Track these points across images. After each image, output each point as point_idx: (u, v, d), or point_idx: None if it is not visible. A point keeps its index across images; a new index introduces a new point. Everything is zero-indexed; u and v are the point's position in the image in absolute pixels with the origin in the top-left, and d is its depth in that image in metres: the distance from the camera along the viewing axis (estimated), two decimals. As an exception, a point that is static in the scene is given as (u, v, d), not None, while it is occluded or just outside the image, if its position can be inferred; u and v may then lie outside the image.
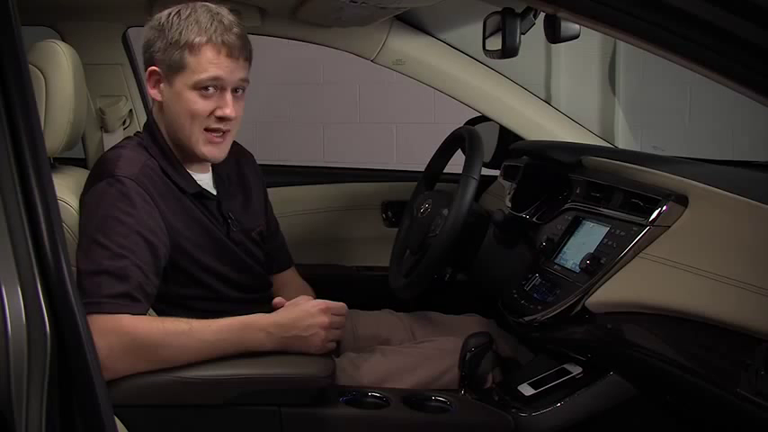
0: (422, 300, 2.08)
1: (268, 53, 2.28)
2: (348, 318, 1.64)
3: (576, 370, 1.61)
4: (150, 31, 1.67)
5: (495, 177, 2.35)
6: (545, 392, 1.60)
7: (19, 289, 0.98)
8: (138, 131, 1.82)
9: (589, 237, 1.64)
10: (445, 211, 1.85)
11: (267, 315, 1.56)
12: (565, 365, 1.64)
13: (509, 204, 2.01)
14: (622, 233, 1.52)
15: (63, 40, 1.84)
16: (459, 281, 2.08)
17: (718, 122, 3.61)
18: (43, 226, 1.01)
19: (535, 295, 1.67)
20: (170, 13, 1.65)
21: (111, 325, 1.44)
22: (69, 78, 1.65)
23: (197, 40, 1.61)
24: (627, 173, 1.68)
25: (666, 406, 1.52)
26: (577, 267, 1.59)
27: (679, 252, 1.39)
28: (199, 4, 1.66)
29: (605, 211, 1.64)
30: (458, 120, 2.36)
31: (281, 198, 2.26)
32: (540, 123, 2.35)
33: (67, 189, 1.63)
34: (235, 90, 1.66)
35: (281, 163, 2.69)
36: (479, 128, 2.12)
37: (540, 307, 1.62)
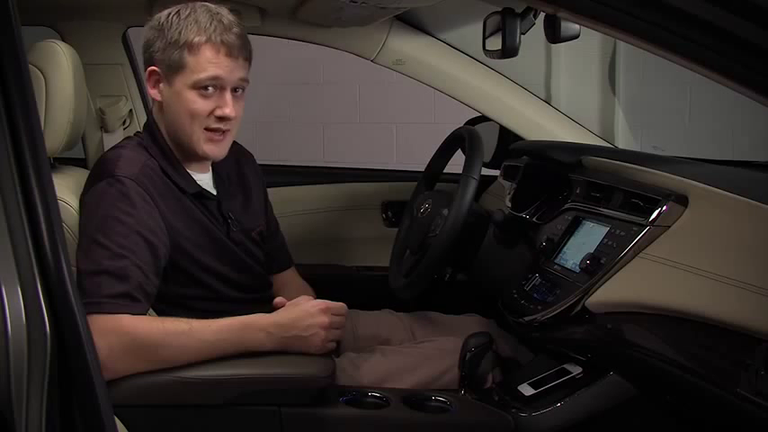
0: (422, 300, 2.08)
1: (268, 53, 2.28)
2: (348, 318, 1.64)
3: (576, 370, 1.61)
4: (150, 31, 1.67)
5: (495, 177, 2.35)
6: (545, 392, 1.60)
7: (19, 289, 0.98)
8: (138, 131, 1.82)
9: (589, 237, 1.64)
10: (445, 211, 1.85)
11: (267, 315, 1.56)
12: (565, 365, 1.64)
13: (509, 204, 2.01)
14: (622, 233, 1.52)
15: (63, 40, 1.84)
16: (460, 281, 2.08)
17: (718, 122, 3.61)
18: (43, 226, 1.01)
19: (535, 295, 1.67)
20: (170, 13, 1.65)
21: (111, 325, 1.44)
22: (69, 78, 1.65)
23: (196, 39, 1.61)
24: (627, 173, 1.68)
25: (666, 406, 1.52)
26: (577, 267, 1.59)
27: (679, 252, 1.39)
28: (198, 3, 1.66)
29: (605, 211, 1.64)
30: (458, 120, 2.36)
31: (281, 198, 2.26)
32: (540, 123, 2.35)
33: (67, 189, 1.63)
34: (234, 90, 1.66)
35: (281, 163, 2.69)
36: (479, 128, 2.12)
37: (540, 307, 1.62)
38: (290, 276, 1.99)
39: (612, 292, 1.50)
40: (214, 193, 1.76)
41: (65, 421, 1.02)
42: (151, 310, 1.56)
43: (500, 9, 1.44)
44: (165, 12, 1.66)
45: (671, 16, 1.00)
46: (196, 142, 1.67)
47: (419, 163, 2.24)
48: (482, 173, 1.84)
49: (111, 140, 2.21)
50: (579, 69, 3.66)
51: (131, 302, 1.49)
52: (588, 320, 1.55)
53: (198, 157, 1.71)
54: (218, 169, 1.79)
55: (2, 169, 1.01)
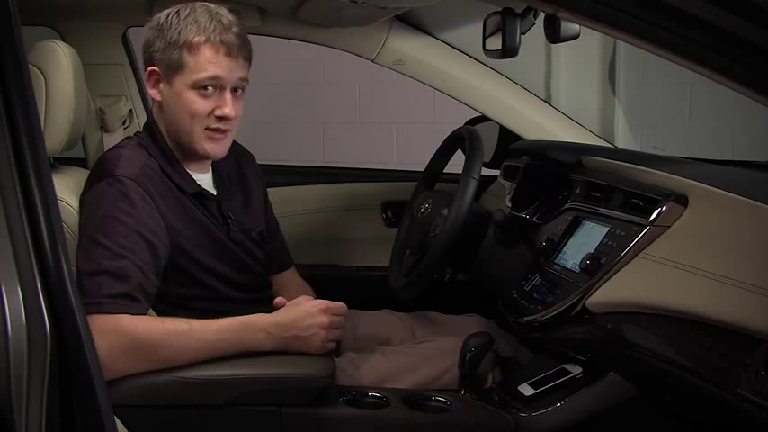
0: (422, 300, 2.08)
1: (268, 53, 2.28)
2: (348, 318, 1.64)
3: (576, 370, 1.61)
4: (150, 31, 1.67)
5: (495, 177, 2.35)
6: (545, 392, 1.60)
7: (19, 289, 0.98)
8: (138, 131, 1.82)
9: (589, 237, 1.64)
10: (445, 211, 1.85)
11: (267, 315, 1.56)
12: (565, 365, 1.64)
13: (509, 204, 2.01)
14: (622, 233, 1.52)
15: (63, 40, 1.84)
16: (460, 281, 2.08)
17: (718, 122, 3.61)
18: (43, 226, 1.01)
19: (535, 295, 1.67)
20: (169, 13, 1.65)
21: (111, 325, 1.44)
22: (69, 78, 1.65)
23: (196, 39, 1.61)
24: (627, 173, 1.68)
25: (666, 406, 1.52)
26: (577, 267, 1.59)
27: (679, 252, 1.39)
28: (198, 3, 1.66)
29: (605, 211, 1.64)
30: (458, 120, 2.36)
31: (281, 198, 2.26)
32: (540, 123, 2.35)
33: (67, 189, 1.63)
34: (234, 89, 1.66)
35: (281, 163, 2.69)
36: (479, 128, 2.12)
37: (540, 307, 1.62)
38: (290, 276, 1.99)
39: (612, 292, 1.50)
40: (214, 193, 1.76)
41: (65, 421, 1.02)
42: (151, 310, 1.56)
43: (500, 9, 1.44)
44: (165, 12, 1.66)
45: (671, 16, 1.00)
46: (197, 141, 1.67)
47: (419, 163, 2.24)
48: (482, 173, 1.84)
49: (111, 140, 2.21)
50: (579, 69, 3.66)
51: (131, 302, 1.49)
52: (588, 320, 1.55)
53: (198, 157, 1.71)
54: (218, 169, 1.79)
55: (2, 169, 1.01)
